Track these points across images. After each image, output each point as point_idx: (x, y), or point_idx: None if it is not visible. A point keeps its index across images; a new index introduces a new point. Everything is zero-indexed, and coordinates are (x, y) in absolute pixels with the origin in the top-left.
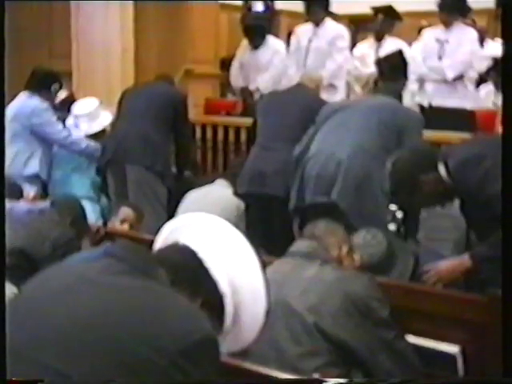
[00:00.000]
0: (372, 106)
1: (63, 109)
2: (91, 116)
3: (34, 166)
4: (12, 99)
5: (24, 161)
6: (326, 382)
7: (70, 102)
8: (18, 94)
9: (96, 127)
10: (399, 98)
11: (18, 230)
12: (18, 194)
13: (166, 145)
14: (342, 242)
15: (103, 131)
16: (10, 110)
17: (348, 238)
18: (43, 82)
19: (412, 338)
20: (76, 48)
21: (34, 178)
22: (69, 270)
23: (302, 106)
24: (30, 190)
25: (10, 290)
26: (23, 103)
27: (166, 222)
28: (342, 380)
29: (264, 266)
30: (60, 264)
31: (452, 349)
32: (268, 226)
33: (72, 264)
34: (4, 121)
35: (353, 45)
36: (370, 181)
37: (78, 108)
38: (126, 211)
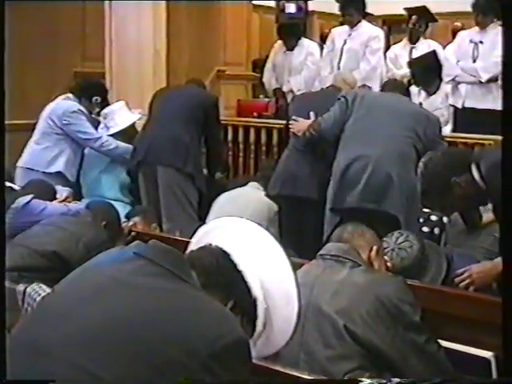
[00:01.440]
0: (407, 110)
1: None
2: (117, 114)
3: (59, 165)
4: (45, 101)
5: (50, 159)
6: (361, 381)
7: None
8: (54, 97)
9: (122, 124)
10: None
11: (51, 232)
12: (51, 195)
13: (197, 146)
14: (372, 244)
15: (134, 132)
16: (46, 109)
17: (378, 240)
18: (85, 91)
19: (444, 343)
20: (109, 50)
21: (56, 177)
22: (100, 271)
23: None
24: (62, 191)
25: (44, 291)
26: (58, 104)
27: (196, 224)
28: (381, 380)
29: (295, 268)
30: (90, 264)
31: (485, 353)
32: (299, 229)
33: (103, 264)
34: (4, 120)
35: (386, 46)
36: (416, 191)
37: (105, 109)
38: (135, 219)
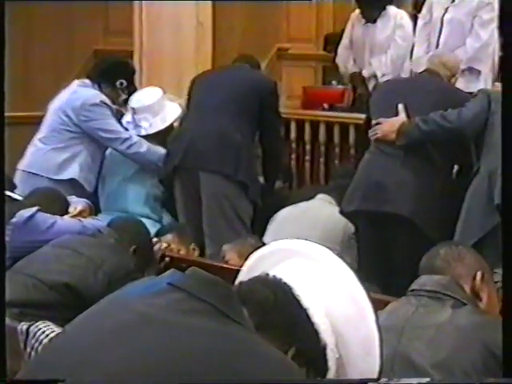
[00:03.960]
0: None
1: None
2: (153, 110)
3: (73, 170)
4: (55, 88)
5: (60, 162)
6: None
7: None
8: (68, 83)
9: (159, 124)
10: None
11: (62, 257)
12: (62, 207)
13: (250, 147)
14: (476, 269)
15: (170, 129)
16: (58, 99)
17: (482, 261)
18: (106, 74)
19: None
20: (138, 22)
21: (68, 185)
22: (125, 306)
23: (434, 98)
24: (77, 203)
25: (52, 331)
26: (74, 93)
27: (250, 246)
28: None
29: (378, 308)
30: (112, 297)
31: None
32: (384, 257)
33: (129, 298)
34: (4, 121)
35: (501, 17)
36: None
37: (135, 100)
38: (168, 238)
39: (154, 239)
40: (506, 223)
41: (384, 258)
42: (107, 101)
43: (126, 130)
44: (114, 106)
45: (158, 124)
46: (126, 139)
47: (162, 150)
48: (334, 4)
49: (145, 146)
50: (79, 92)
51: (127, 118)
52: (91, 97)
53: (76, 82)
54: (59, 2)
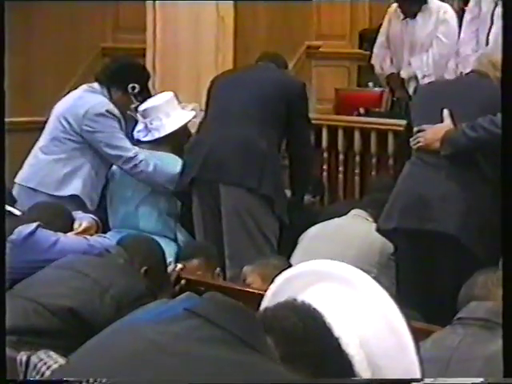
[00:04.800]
0: None
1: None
2: (164, 110)
3: (75, 186)
4: (58, 91)
5: (62, 176)
6: None
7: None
8: (71, 86)
9: (173, 125)
10: None
11: (65, 279)
12: (66, 224)
13: (276, 156)
14: None
15: (186, 136)
16: (61, 104)
17: None
18: (117, 77)
19: None
20: (152, 17)
21: (70, 202)
22: (136, 334)
23: (482, 102)
24: (82, 219)
25: (54, 362)
26: (79, 98)
27: (273, 268)
28: None
29: (419, 338)
30: (121, 324)
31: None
32: (427, 279)
33: (140, 324)
34: (4, 121)
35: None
36: None
37: (145, 104)
38: (194, 263)
39: (179, 266)
40: (506, 223)
41: (426, 281)
42: (115, 111)
43: (135, 142)
44: (125, 113)
45: (172, 124)
46: (131, 158)
47: (172, 170)
48: None
49: (151, 165)
50: (85, 98)
51: (138, 127)
52: (97, 105)
53: (83, 87)
54: None
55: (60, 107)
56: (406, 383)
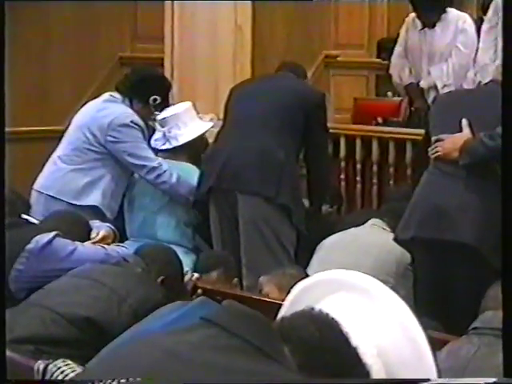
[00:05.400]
0: None
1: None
2: (182, 119)
3: (95, 196)
4: (75, 100)
5: (82, 186)
6: None
7: None
8: (89, 96)
9: (191, 133)
10: None
11: (83, 289)
12: (84, 233)
13: (294, 166)
14: None
15: (203, 145)
16: (83, 114)
17: None
18: (138, 89)
19: None
20: (170, 25)
21: (89, 212)
22: (151, 343)
23: (500, 113)
24: (100, 228)
25: (72, 371)
26: (103, 109)
27: (290, 278)
28: None
29: (436, 348)
30: (137, 331)
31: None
32: (445, 289)
33: (155, 333)
34: (4, 122)
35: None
36: None
37: (163, 113)
38: (213, 276)
39: (195, 275)
40: (506, 225)
41: (444, 291)
42: (140, 122)
43: (156, 153)
44: (146, 124)
45: (190, 133)
46: (155, 168)
47: (193, 181)
48: (388, 4)
49: (175, 176)
50: (108, 108)
51: (156, 135)
52: (121, 115)
53: (105, 96)
54: (80, 2)
55: (82, 118)
56: (413, 383)
